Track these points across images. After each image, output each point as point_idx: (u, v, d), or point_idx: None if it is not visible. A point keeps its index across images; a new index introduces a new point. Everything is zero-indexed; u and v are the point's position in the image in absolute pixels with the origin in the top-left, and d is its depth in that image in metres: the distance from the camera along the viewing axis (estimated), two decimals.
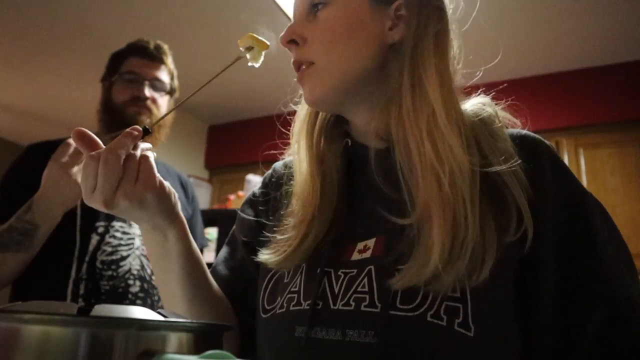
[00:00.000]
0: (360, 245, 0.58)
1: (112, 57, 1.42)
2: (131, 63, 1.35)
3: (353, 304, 0.53)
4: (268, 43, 0.64)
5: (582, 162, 2.87)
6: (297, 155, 0.70)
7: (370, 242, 0.58)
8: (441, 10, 0.64)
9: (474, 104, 0.65)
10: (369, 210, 0.60)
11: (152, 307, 1.18)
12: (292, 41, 0.65)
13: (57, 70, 3.24)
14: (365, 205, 0.62)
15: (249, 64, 0.64)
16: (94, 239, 1.17)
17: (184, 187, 1.45)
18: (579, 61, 2.96)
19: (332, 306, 0.55)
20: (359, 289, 0.54)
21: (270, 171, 0.81)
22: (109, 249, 1.17)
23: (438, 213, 0.51)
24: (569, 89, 3.02)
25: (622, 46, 2.78)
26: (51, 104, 3.76)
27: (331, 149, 0.66)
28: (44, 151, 1.16)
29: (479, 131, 0.59)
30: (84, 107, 2.97)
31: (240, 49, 0.64)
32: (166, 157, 1.60)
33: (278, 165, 0.82)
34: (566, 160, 2.90)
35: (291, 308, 0.59)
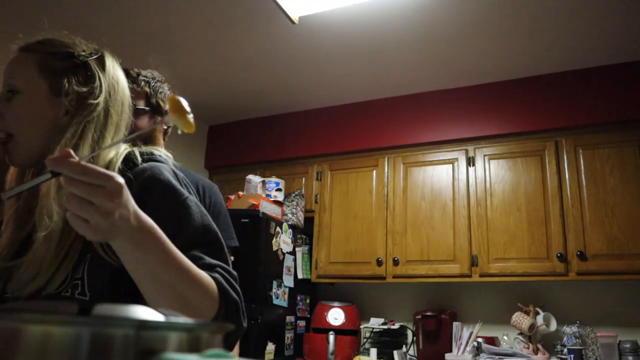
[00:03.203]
0: None
1: None
2: None
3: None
4: (191, 123, 0.72)
5: (582, 162, 2.87)
6: None
7: None
8: (93, 105, 0.89)
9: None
10: None
11: None
12: None
13: None
14: None
15: (179, 131, 0.74)
16: None
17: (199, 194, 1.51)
18: (579, 61, 2.96)
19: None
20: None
21: None
22: None
23: None
24: (569, 89, 3.02)
25: (622, 46, 2.78)
26: None
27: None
28: None
29: None
30: None
31: (168, 119, 0.72)
32: None
33: None
34: (565, 160, 2.90)
35: None
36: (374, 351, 3.08)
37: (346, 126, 3.56)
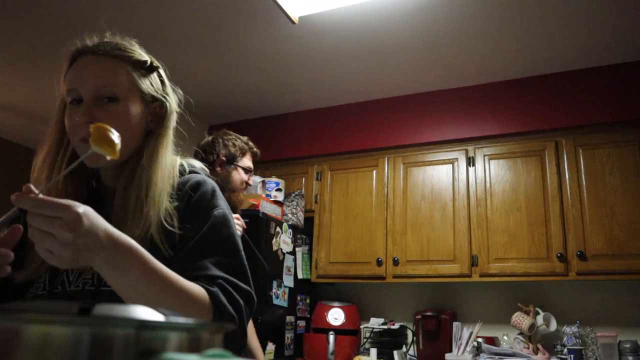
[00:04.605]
0: None
1: None
2: None
3: (81, 285, 0.87)
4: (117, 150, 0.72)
5: (582, 162, 2.87)
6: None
7: None
8: (170, 111, 0.98)
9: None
10: None
11: None
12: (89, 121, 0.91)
13: (57, 71, 3.24)
14: None
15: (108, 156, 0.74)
16: None
17: None
18: (578, 61, 2.96)
19: (67, 288, 0.88)
20: (86, 277, 0.88)
21: None
22: None
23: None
24: (569, 89, 3.02)
25: (622, 46, 2.78)
26: (51, 104, 3.75)
27: (74, 184, 0.94)
28: None
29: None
30: None
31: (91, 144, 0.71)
32: None
33: None
34: (565, 161, 2.90)
35: (39, 293, 0.90)
36: (374, 351, 3.08)
37: (346, 126, 3.56)
